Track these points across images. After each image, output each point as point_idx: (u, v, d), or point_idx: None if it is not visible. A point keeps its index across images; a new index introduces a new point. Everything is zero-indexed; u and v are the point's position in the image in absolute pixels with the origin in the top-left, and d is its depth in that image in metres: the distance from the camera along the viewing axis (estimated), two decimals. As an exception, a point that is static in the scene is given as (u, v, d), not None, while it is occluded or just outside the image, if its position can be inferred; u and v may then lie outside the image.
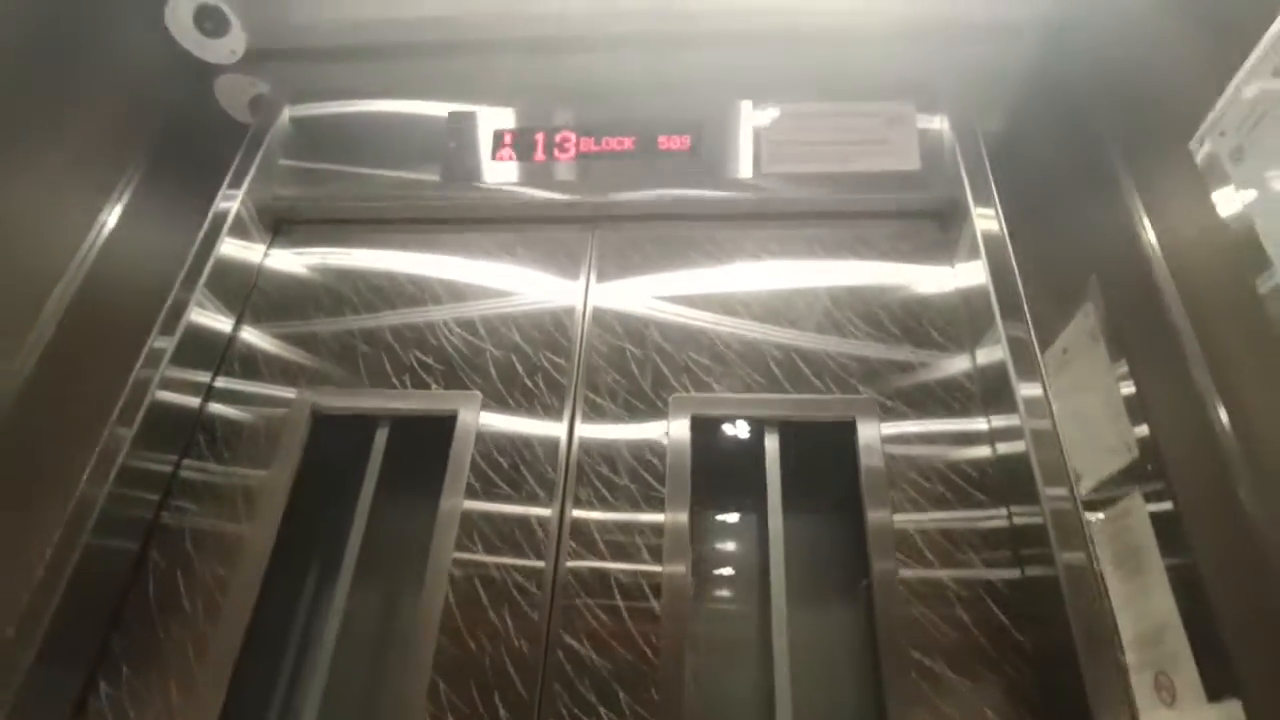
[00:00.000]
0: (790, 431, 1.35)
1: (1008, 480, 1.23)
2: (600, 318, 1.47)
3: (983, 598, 1.15)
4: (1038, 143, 1.63)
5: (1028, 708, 1.07)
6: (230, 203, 1.56)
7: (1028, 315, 1.26)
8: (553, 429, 1.36)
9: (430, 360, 1.45)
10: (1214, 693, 0.95)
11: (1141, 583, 1.11)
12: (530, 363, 1.43)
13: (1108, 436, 1.23)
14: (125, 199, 1.56)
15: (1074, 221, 1.46)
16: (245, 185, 1.59)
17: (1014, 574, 1.17)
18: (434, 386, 1.43)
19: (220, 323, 1.51)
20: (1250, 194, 0.96)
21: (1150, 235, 1.20)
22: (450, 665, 1.16)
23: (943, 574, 1.18)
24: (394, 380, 1.44)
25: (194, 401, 1.44)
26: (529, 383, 1.41)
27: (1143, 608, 1.09)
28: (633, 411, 1.37)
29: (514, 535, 1.26)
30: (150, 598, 1.27)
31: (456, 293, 1.53)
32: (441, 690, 1.14)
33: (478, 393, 1.41)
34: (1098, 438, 1.26)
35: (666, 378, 1.40)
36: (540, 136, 1.62)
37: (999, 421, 1.27)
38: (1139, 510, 1.13)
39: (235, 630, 1.21)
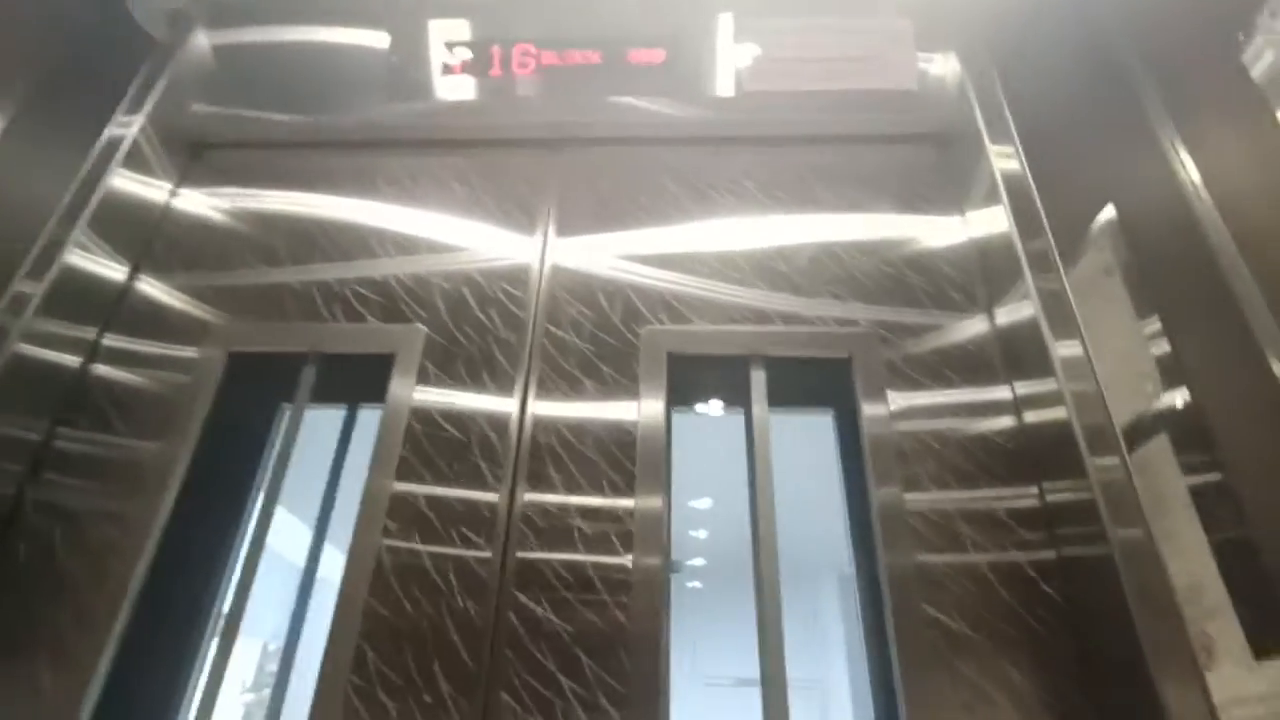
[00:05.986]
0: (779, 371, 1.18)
1: (1038, 453, 1.06)
2: (564, 253, 1.30)
3: (1015, 592, 0.98)
4: (1045, 64, 1.45)
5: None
6: (125, 130, 1.32)
7: (1059, 265, 1.09)
8: (506, 389, 1.16)
9: (368, 293, 1.27)
10: (1261, 650, 0.79)
11: (1171, 534, 0.94)
12: (483, 294, 1.25)
13: (1125, 377, 1.06)
14: (7, 117, 1.30)
15: (1088, 155, 1.28)
16: (147, 109, 1.35)
17: (1049, 556, 1.00)
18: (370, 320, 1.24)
19: (111, 270, 1.28)
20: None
21: (1189, 170, 1.04)
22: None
23: (965, 559, 1.00)
24: (323, 312, 1.25)
25: (72, 361, 1.20)
26: (481, 316, 1.22)
27: (1175, 564, 0.93)
28: (600, 347, 1.19)
29: (455, 518, 1.06)
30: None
31: (403, 238, 1.33)
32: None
33: (421, 327, 1.22)
34: (1114, 379, 1.09)
35: (639, 310, 1.22)
36: (497, 50, 1.42)
37: (1025, 389, 1.10)
38: (1164, 455, 0.96)
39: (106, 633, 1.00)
